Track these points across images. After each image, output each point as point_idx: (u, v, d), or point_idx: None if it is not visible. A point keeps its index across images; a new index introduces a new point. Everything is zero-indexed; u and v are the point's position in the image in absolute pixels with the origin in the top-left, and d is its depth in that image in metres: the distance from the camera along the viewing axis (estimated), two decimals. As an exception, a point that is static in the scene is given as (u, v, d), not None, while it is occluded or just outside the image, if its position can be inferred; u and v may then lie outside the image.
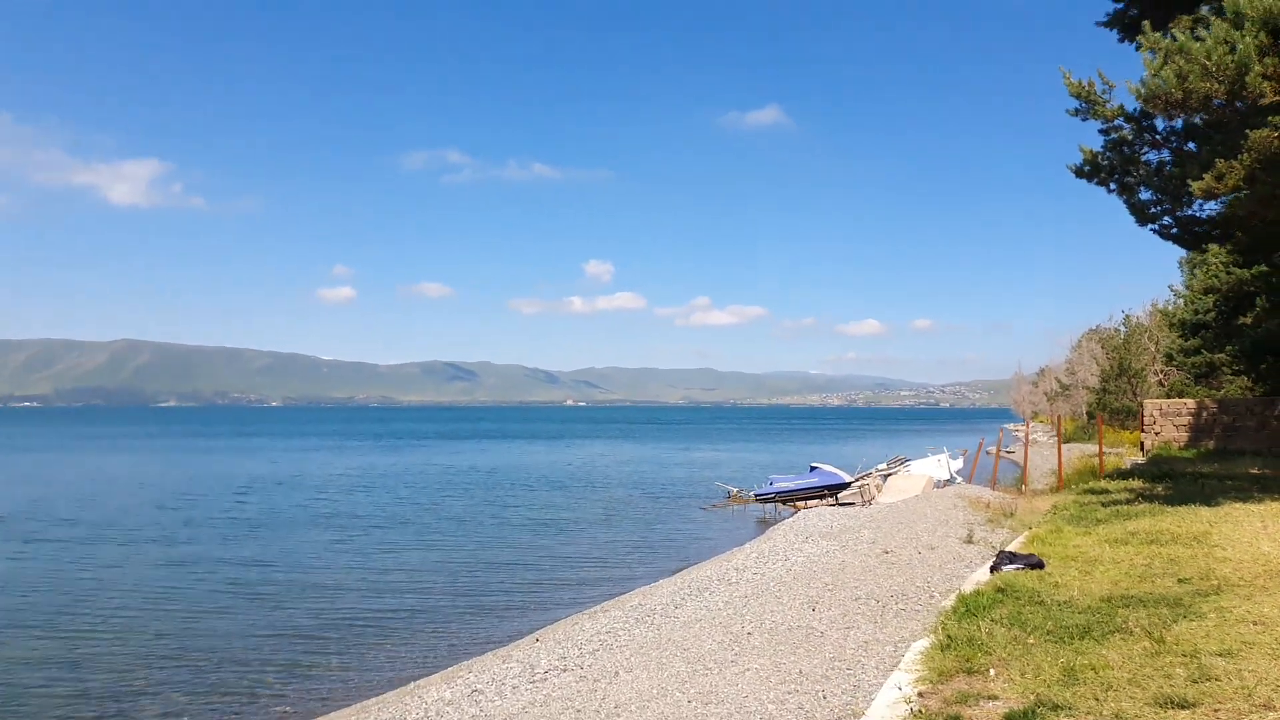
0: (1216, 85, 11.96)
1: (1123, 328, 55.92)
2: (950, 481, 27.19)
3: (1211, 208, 16.44)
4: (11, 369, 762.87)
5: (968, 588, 8.73)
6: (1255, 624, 6.49)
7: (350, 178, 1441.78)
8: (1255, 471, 18.86)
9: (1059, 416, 48.09)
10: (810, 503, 26.06)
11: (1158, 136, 16.19)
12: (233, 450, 70.25)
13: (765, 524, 24.30)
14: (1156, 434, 28.08)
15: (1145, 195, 16.76)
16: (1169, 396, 37.78)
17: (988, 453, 35.77)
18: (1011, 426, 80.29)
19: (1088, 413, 56.30)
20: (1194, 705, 4.91)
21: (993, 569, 9.44)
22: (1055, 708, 4.98)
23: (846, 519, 19.16)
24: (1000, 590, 8.14)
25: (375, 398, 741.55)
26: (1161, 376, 47.77)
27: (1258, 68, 11.59)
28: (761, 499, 27.36)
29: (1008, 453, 47.39)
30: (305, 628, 14.14)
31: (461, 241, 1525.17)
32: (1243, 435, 26.05)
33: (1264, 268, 25.12)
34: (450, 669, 11.53)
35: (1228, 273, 29.16)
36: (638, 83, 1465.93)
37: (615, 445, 79.75)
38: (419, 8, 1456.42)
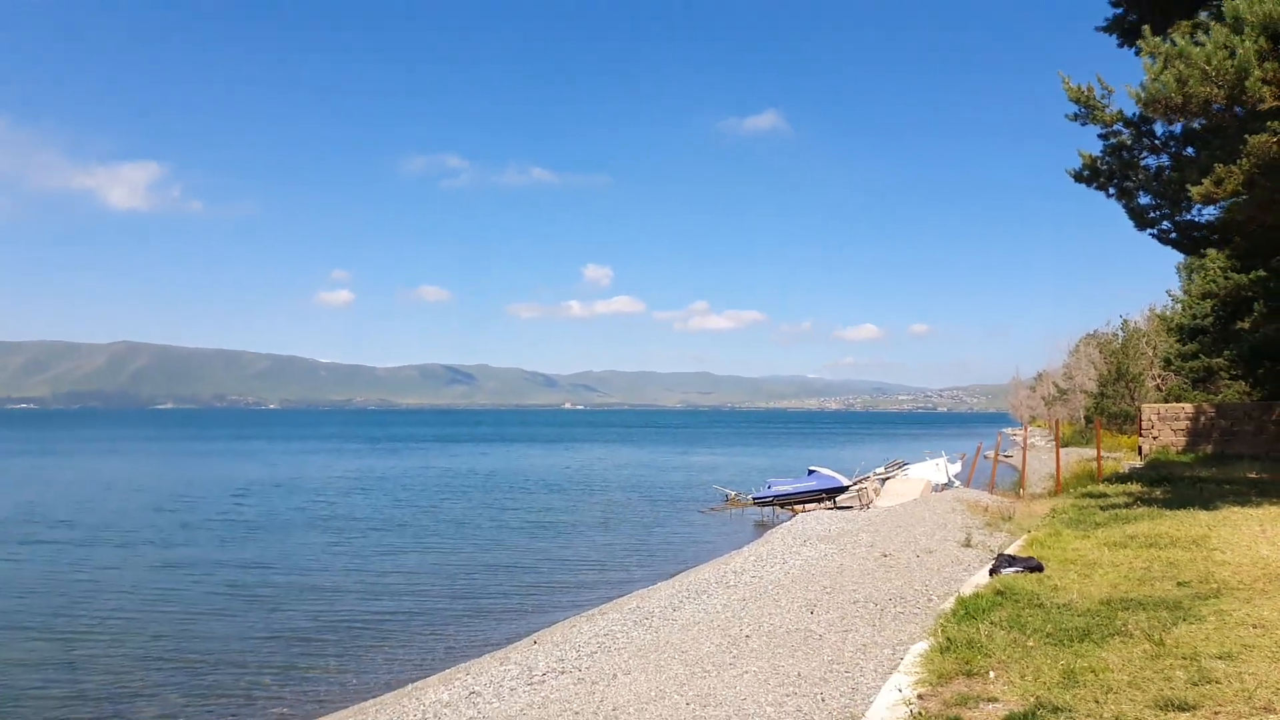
0: (1216, 90, 11.97)
1: (1120, 332, 56.00)
2: (948, 485, 27.19)
3: (1210, 212, 16.48)
4: (9, 371, 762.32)
5: (967, 590, 8.71)
6: (1255, 627, 6.49)
7: (349, 181, 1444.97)
8: (1253, 476, 18.86)
9: (1057, 421, 48.08)
10: (808, 506, 26.06)
11: (1157, 141, 16.21)
12: (230, 453, 70.16)
13: (763, 527, 24.29)
14: (1154, 438, 28.09)
15: (1144, 200, 16.79)
16: (1167, 401, 37.80)
17: (985, 457, 35.77)
18: (1009, 431, 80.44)
19: (1085, 417, 56.36)
20: (1194, 708, 4.90)
21: (992, 572, 9.43)
22: (1055, 710, 4.97)
23: (844, 522, 19.14)
24: (999, 593, 8.13)
25: (373, 401, 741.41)
26: (1159, 381, 47.82)
27: (1257, 72, 11.61)
28: (759, 502, 27.36)
29: (1005, 457, 47.39)
30: (302, 630, 14.11)
31: (460, 245, 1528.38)
32: (1240, 440, 26.07)
33: (1262, 273, 25.16)
34: (448, 671, 11.51)
35: (1225, 278, 29.18)
36: (636, 88, 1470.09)
37: (613, 449, 79.71)
38: (418, 12, 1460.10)
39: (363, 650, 12.92)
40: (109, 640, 13.52)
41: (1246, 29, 11.76)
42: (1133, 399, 47.76)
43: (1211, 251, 25.00)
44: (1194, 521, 11.96)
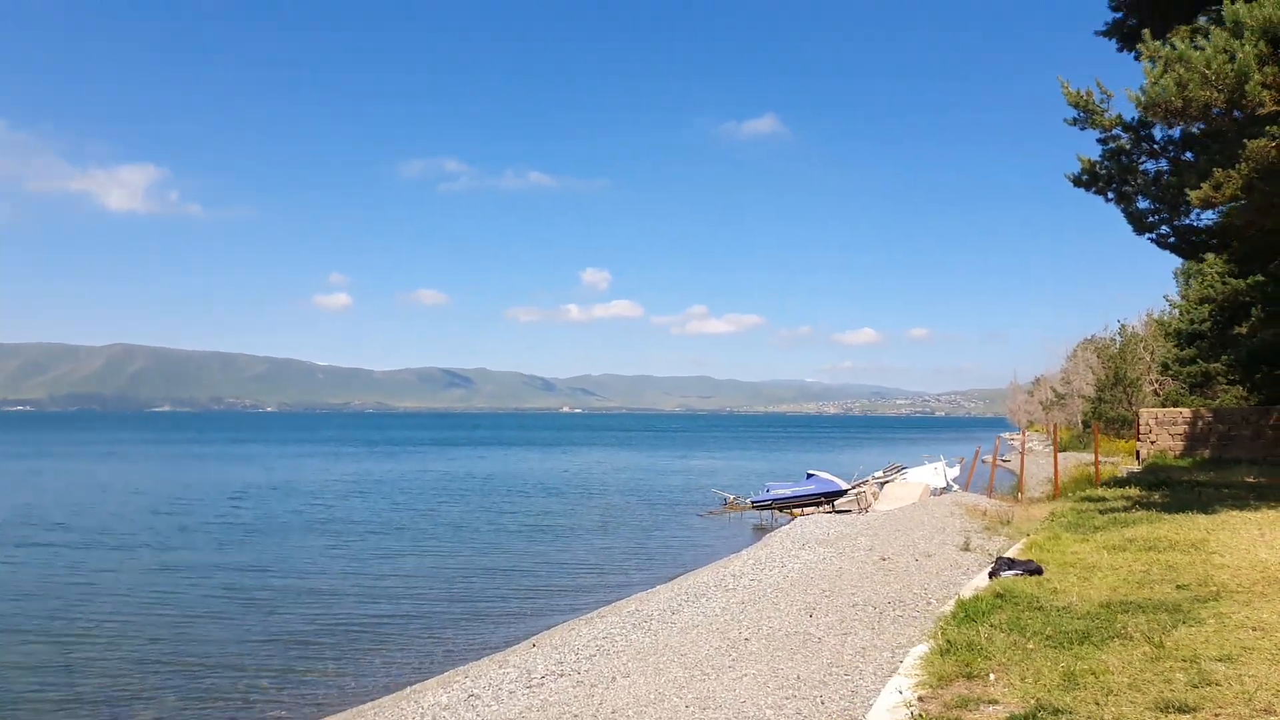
0: (1216, 94, 12.00)
1: (1118, 337, 56.09)
2: (947, 489, 27.16)
3: (1209, 217, 16.50)
4: (6, 374, 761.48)
5: (966, 593, 8.71)
6: (1254, 629, 6.49)
7: (347, 185, 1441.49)
8: (1251, 480, 18.90)
9: (1055, 425, 48.17)
10: (807, 510, 26.04)
11: (1156, 146, 16.23)
12: (227, 456, 70.08)
13: (762, 531, 24.30)
14: (1152, 443, 28.13)
15: (1143, 204, 16.80)
16: (1164, 406, 37.85)
17: (984, 461, 35.79)
18: (1007, 435, 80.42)
19: (1083, 422, 56.44)
20: (1194, 710, 4.90)
21: (991, 575, 9.43)
22: (1056, 712, 4.96)
23: (843, 526, 19.14)
24: (999, 596, 8.13)
25: (371, 404, 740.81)
26: (1157, 386, 47.86)
27: (1257, 76, 11.64)
28: (758, 506, 27.34)
29: (1004, 461, 47.41)
30: (300, 633, 14.09)
31: (458, 249, 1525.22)
32: (1238, 444, 26.12)
33: (1260, 277, 25.18)
34: (446, 674, 11.49)
35: (1223, 282, 29.22)
36: (635, 92, 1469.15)
37: (612, 452, 79.69)
38: (416, 16, 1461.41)
39: (361, 653, 12.89)
40: (106, 643, 13.49)
41: (1246, 33, 11.79)
42: (1130, 404, 47.83)
43: (1209, 256, 25.07)
44: (1193, 525, 11.98)
